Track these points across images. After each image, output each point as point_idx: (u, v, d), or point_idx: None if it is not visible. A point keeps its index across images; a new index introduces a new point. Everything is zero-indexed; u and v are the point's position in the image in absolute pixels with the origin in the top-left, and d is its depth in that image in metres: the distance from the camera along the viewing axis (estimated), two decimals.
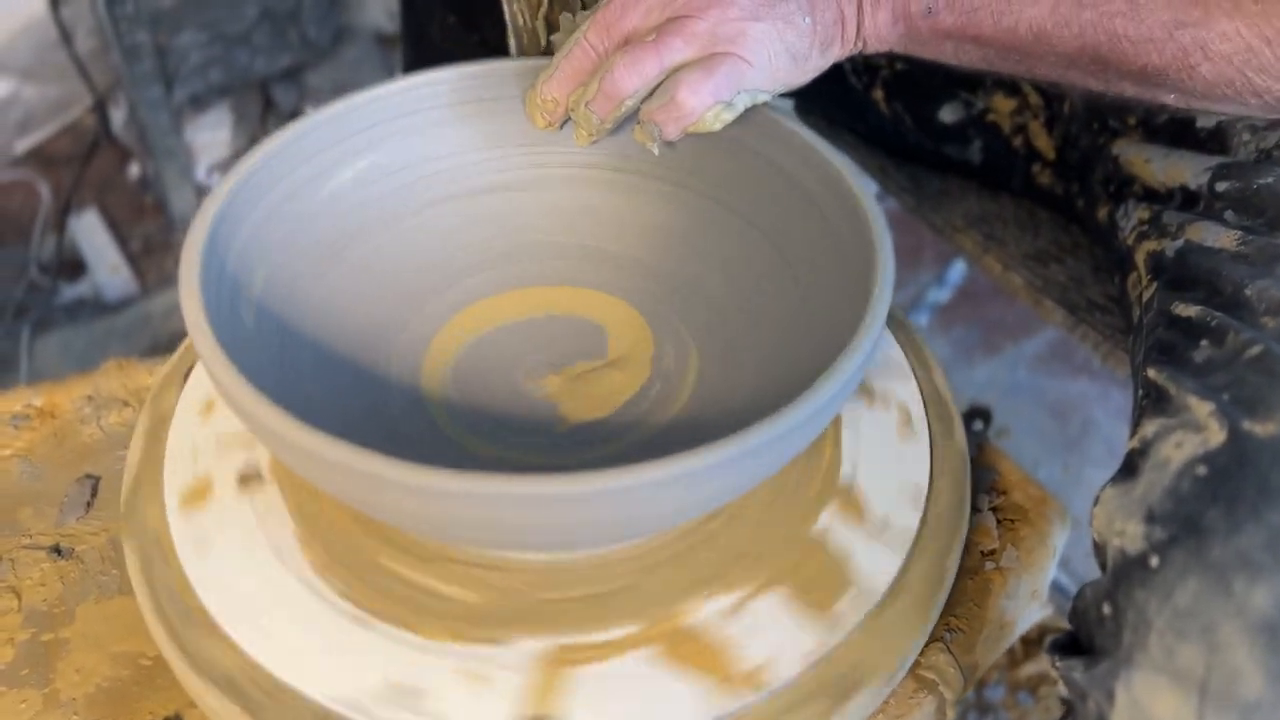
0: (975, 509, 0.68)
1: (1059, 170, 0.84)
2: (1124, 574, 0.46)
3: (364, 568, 0.57)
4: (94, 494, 0.68)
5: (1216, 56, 0.54)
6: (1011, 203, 0.93)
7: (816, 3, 0.59)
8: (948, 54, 0.61)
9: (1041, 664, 1.11)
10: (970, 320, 1.52)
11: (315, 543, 0.58)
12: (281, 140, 0.62)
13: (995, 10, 0.58)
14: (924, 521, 0.61)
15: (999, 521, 0.68)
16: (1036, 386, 1.48)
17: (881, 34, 0.60)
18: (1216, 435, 0.47)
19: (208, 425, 0.64)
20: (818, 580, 0.57)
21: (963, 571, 0.64)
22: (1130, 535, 0.47)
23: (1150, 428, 0.51)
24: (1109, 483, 0.51)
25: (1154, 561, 0.45)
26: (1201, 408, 0.48)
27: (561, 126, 0.66)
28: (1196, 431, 0.48)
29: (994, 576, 0.66)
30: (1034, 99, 0.84)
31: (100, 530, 0.66)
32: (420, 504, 0.46)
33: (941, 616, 0.62)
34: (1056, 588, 1.19)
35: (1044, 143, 0.84)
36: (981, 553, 0.67)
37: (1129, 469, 0.50)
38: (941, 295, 1.51)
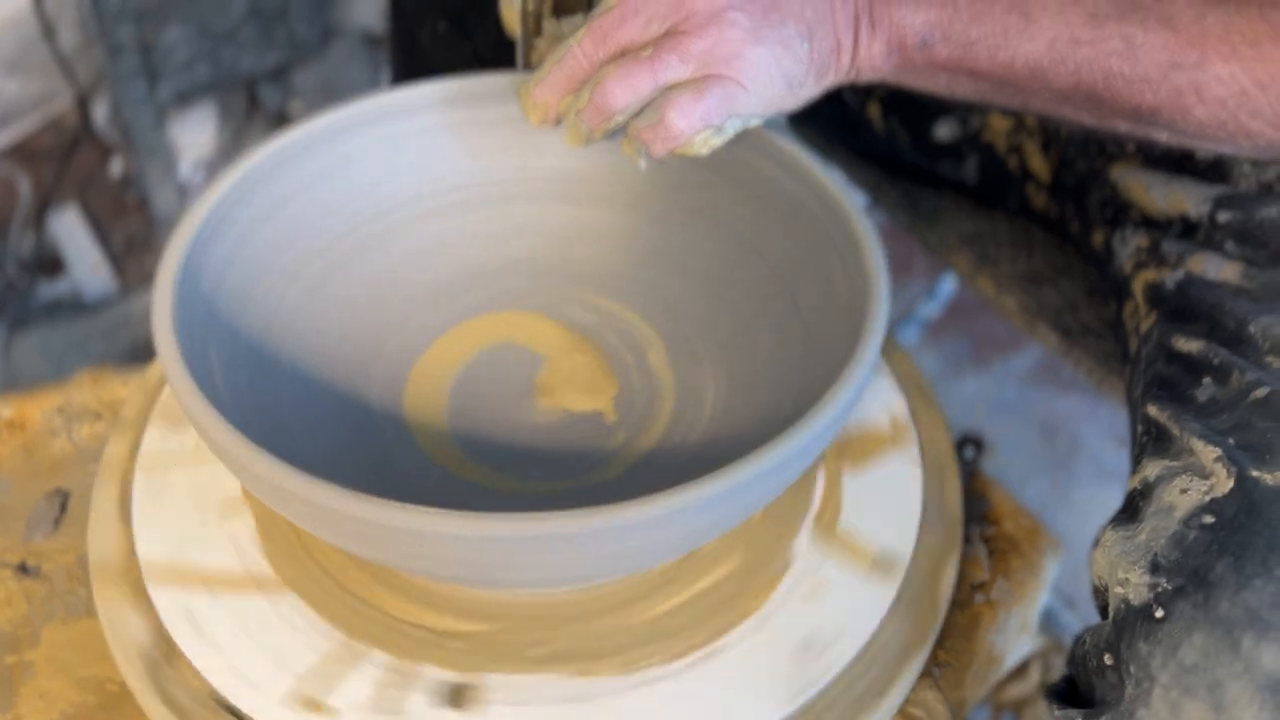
0: (966, 539, 0.66)
1: (1054, 192, 0.83)
2: (1127, 625, 0.45)
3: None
4: (63, 510, 0.66)
5: (1211, 99, 0.54)
6: (1006, 221, 0.92)
7: (815, 29, 0.57)
8: (941, 86, 0.60)
9: (1025, 685, 1.10)
10: (960, 333, 1.51)
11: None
12: (262, 156, 0.60)
13: (991, 45, 0.57)
14: (915, 558, 0.59)
15: (990, 553, 0.67)
16: (1025, 402, 1.47)
17: (876, 64, 0.59)
18: (1224, 483, 0.46)
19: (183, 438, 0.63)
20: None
21: (952, 605, 0.63)
22: (1134, 584, 0.46)
23: (1153, 469, 0.49)
24: (1110, 524, 0.50)
25: (1159, 614, 0.44)
26: (1207, 453, 0.47)
27: (556, 124, 0.64)
28: (1202, 478, 0.47)
29: (983, 610, 0.64)
30: (1030, 119, 0.82)
31: (69, 548, 0.64)
32: (404, 543, 0.45)
33: (930, 651, 0.60)
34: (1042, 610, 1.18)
35: (1039, 164, 0.83)
36: (971, 585, 0.65)
37: (1131, 511, 0.49)
38: (932, 309, 1.50)
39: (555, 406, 0.63)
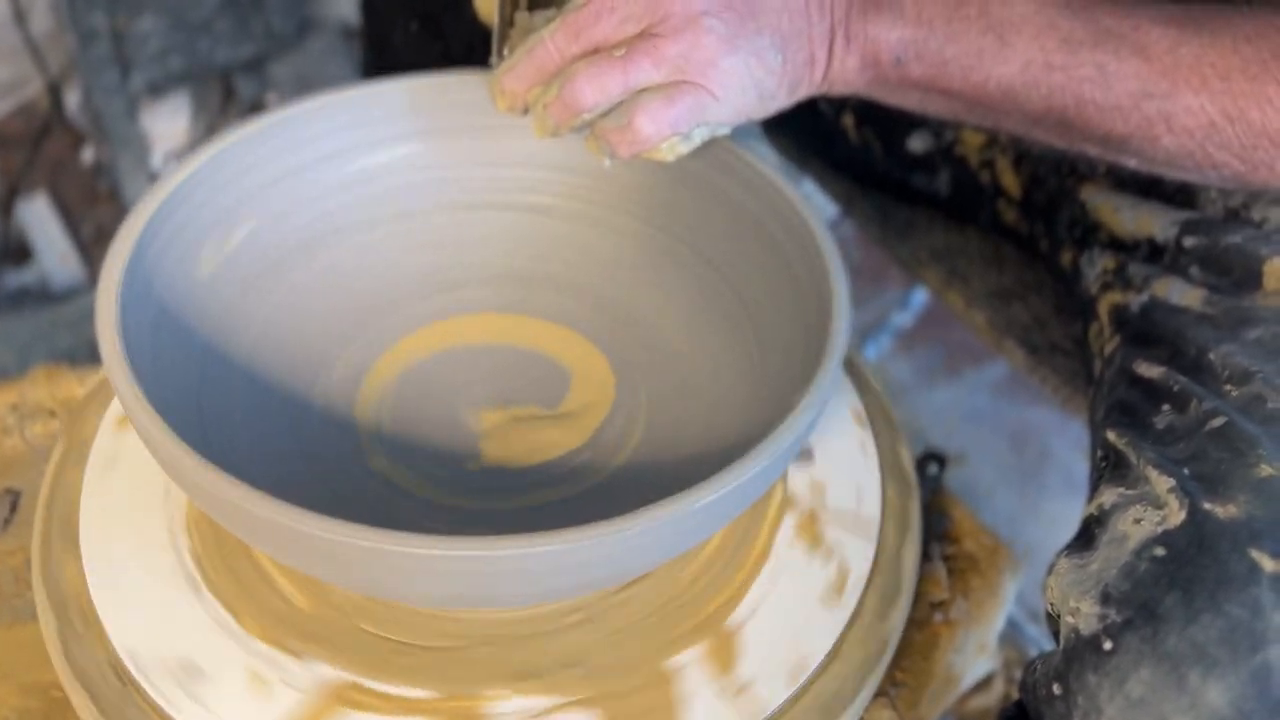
0: (926, 557, 0.66)
1: (1024, 209, 0.83)
2: (1076, 655, 0.45)
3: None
4: (13, 510, 0.65)
5: (1180, 129, 0.54)
6: (977, 236, 0.92)
7: (790, 41, 0.57)
8: (913, 103, 0.60)
9: (989, 697, 1.11)
10: (932, 342, 1.51)
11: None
12: (220, 147, 0.59)
13: (965, 66, 0.57)
14: (872, 574, 0.59)
15: (950, 571, 0.67)
16: (996, 412, 1.48)
17: (849, 78, 0.59)
18: (1176, 514, 0.45)
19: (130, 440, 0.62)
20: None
21: (911, 623, 0.63)
22: (1084, 614, 0.46)
23: (1109, 496, 0.49)
24: (1064, 551, 0.50)
25: (1108, 646, 0.44)
26: (1162, 482, 0.47)
27: (524, 113, 0.63)
28: (1156, 508, 0.47)
29: (942, 630, 0.64)
30: (1004, 135, 0.82)
31: (17, 549, 0.63)
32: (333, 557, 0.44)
33: (887, 670, 0.60)
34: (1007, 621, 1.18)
35: (1011, 180, 0.83)
36: (930, 604, 0.65)
37: (1085, 538, 0.49)
38: (904, 319, 1.50)
39: (506, 417, 0.63)
